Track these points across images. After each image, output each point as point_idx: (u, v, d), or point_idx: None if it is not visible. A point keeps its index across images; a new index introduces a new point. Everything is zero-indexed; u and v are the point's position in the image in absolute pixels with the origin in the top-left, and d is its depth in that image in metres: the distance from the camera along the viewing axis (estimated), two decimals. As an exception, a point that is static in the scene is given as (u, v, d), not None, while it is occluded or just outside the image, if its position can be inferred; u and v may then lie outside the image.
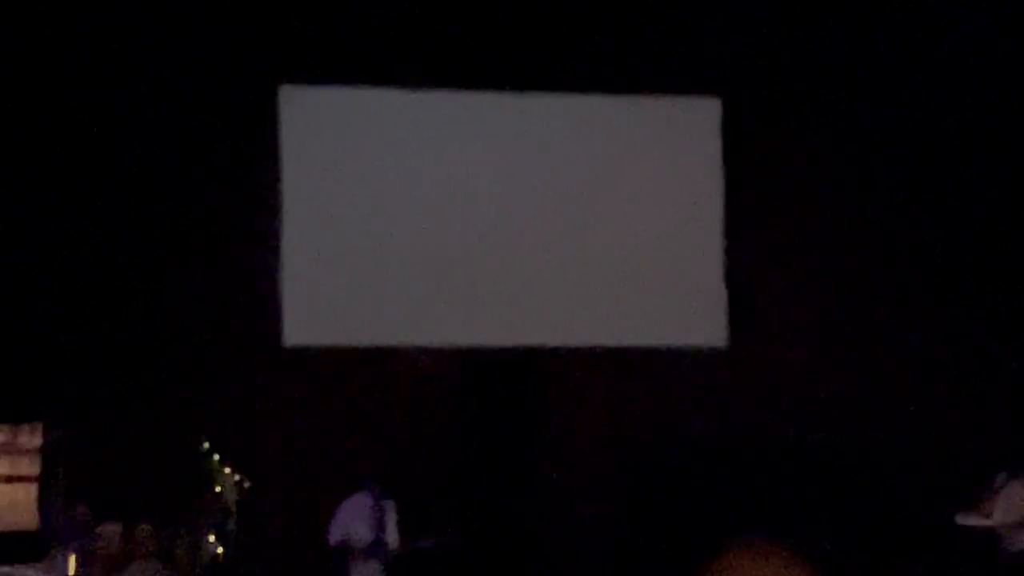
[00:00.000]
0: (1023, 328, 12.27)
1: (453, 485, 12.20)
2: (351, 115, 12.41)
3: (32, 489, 11.89)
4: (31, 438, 11.99)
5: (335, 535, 10.93)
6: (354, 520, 10.95)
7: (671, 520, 11.52)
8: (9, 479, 12.04)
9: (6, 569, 9.94)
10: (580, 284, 12.23)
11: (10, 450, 12.07)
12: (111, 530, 9.79)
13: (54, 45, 11.95)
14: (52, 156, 11.90)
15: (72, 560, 9.98)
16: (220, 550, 11.17)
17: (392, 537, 10.95)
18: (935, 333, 12.43)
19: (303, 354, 12.15)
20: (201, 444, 11.43)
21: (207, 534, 11.10)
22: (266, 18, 12.22)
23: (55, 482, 11.60)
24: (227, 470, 11.39)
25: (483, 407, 12.45)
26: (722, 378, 12.26)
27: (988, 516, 10.91)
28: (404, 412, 12.33)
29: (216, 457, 11.44)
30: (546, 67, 12.37)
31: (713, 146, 12.32)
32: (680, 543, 10.94)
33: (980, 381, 12.33)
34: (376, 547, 10.90)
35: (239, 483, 11.38)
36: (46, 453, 11.78)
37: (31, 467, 11.96)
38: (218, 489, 11.39)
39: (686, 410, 12.23)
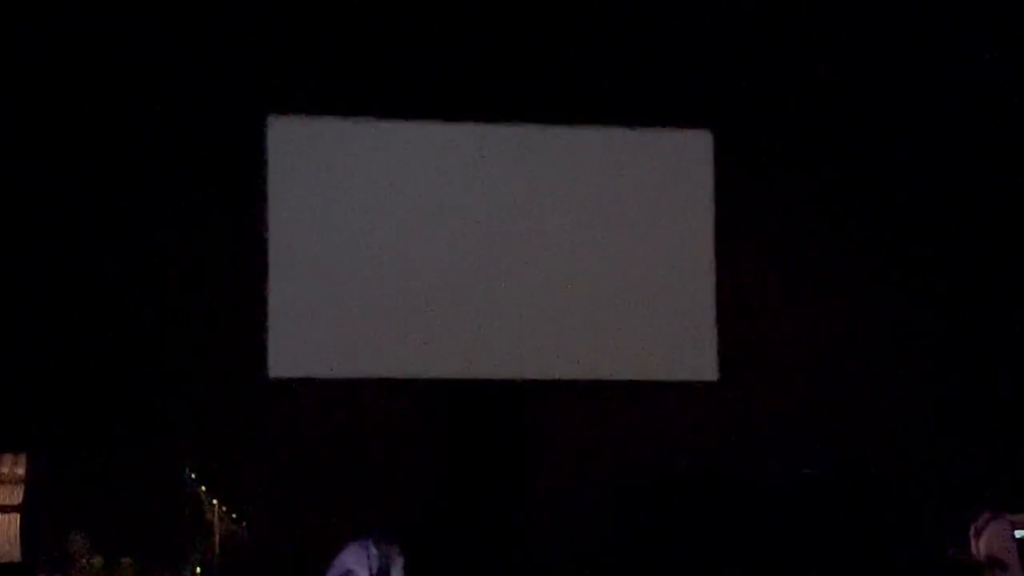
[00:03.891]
0: (1017, 366, 12.27)
1: (439, 519, 12.09)
2: (339, 146, 12.30)
3: (15, 519, 11.72)
4: (14, 468, 11.84)
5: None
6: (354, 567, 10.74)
7: (661, 556, 11.46)
8: (-7, 509, 11.88)
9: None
10: (569, 317, 12.14)
11: (-6, 480, 11.91)
12: (95, 561, 9.68)
13: (36, 72, 11.85)
14: (38, 184, 11.80)
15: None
16: (205, 582, 11.05)
17: None
18: (928, 368, 12.43)
19: (288, 386, 12.02)
20: (186, 476, 11.31)
21: (191, 565, 10.97)
22: (254, 47, 12.14)
23: (39, 512, 11.46)
24: (213, 501, 11.29)
25: (470, 441, 12.35)
26: (713, 412, 12.20)
27: (974, 556, 10.89)
28: (390, 446, 12.24)
29: (202, 488, 11.32)
30: (536, 99, 12.32)
31: (704, 179, 12.27)
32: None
33: (975, 416, 12.31)
34: None
35: (224, 514, 11.26)
36: (30, 483, 11.64)
37: (14, 497, 11.80)
38: (203, 520, 11.28)
39: (676, 445, 12.18)
